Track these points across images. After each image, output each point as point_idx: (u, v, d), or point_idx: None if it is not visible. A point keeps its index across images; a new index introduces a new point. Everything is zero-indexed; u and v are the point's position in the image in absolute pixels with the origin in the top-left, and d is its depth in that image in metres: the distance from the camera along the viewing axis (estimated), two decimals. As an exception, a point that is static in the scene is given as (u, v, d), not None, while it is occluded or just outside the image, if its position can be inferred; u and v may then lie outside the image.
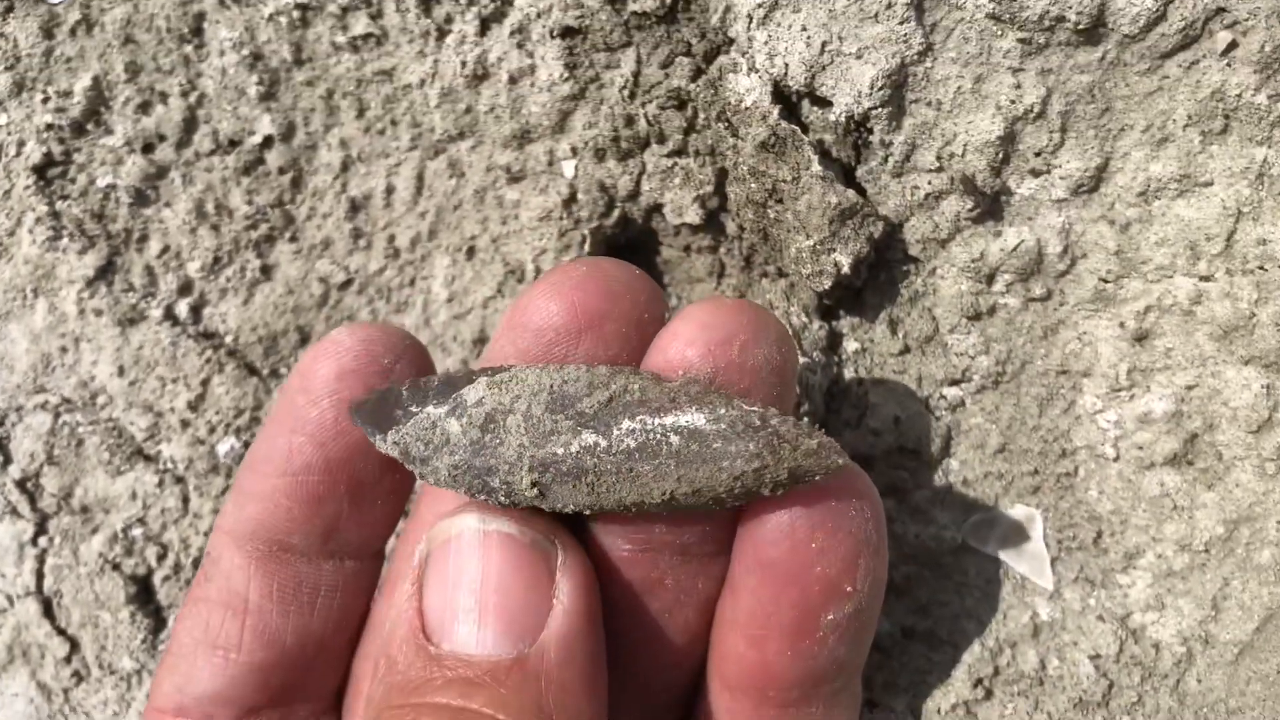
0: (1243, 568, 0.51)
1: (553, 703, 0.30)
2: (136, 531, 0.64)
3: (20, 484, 0.65)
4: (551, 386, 0.33)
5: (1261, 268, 0.50)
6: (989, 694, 0.54)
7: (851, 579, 0.37)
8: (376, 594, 0.44)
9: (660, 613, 0.41)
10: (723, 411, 0.32)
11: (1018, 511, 0.54)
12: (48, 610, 0.65)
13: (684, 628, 0.42)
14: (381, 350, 0.37)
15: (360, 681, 0.42)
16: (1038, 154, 0.51)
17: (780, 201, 0.52)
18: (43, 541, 0.65)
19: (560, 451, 0.32)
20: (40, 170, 0.64)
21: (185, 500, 0.64)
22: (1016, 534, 0.53)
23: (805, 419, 0.55)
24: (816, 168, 0.50)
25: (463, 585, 0.31)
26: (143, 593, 0.64)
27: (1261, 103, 0.48)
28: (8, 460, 0.65)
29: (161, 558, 0.64)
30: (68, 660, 0.65)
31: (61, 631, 0.65)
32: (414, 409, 0.34)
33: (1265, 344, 0.50)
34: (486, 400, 0.33)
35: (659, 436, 0.32)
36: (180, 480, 0.64)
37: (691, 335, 0.35)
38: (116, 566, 0.64)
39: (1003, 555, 0.54)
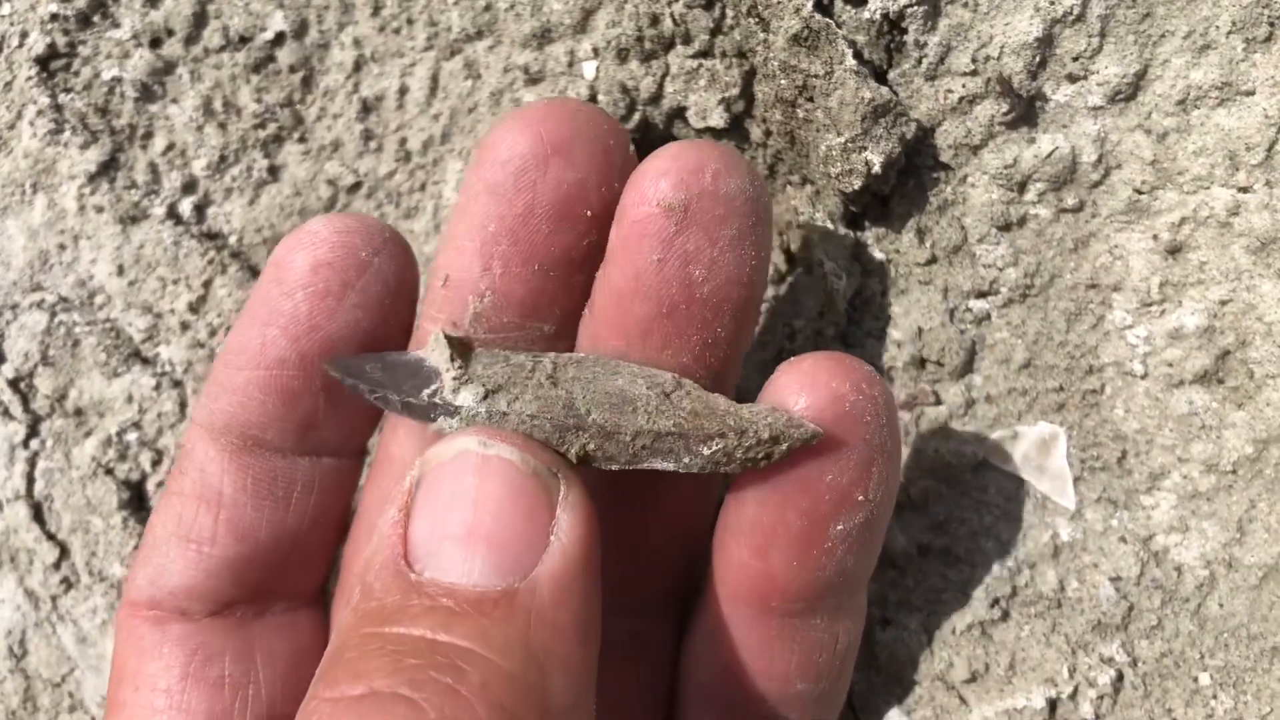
0: (1271, 489, 0.50)
1: (540, 644, 0.27)
2: (131, 436, 0.62)
3: (13, 384, 0.63)
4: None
5: (1302, 180, 0.48)
6: (1006, 615, 0.52)
7: (864, 488, 0.35)
8: (360, 493, 0.42)
9: (655, 518, 0.40)
10: (687, 460, 0.35)
11: (1041, 429, 0.52)
12: (37, 514, 0.63)
13: (683, 534, 0.41)
14: (360, 243, 0.36)
15: (348, 586, 0.40)
16: (1075, 59, 0.50)
17: (811, 99, 0.51)
18: (34, 444, 0.63)
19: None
20: (43, 62, 0.62)
21: (183, 405, 0.62)
22: (1039, 452, 0.52)
23: (830, 329, 0.54)
24: (850, 62, 0.49)
25: (454, 509, 0.28)
26: (135, 499, 0.63)
27: (1311, 3, 0.47)
28: (1, 360, 0.63)
29: (156, 463, 0.62)
30: (57, 566, 0.63)
31: (51, 536, 0.63)
32: (411, 400, 0.35)
33: (1303, 257, 0.48)
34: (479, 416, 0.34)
35: (633, 472, 0.36)
36: (178, 384, 0.62)
37: (664, 167, 0.35)
38: (110, 471, 0.62)
39: (1024, 473, 0.52)
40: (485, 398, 0.33)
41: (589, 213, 0.36)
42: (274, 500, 0.37)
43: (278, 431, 0.37)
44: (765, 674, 0.39)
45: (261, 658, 0.38)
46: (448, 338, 0.34)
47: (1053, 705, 0.51)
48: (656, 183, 0.35)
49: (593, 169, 0.36)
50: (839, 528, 0.35)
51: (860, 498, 0.35)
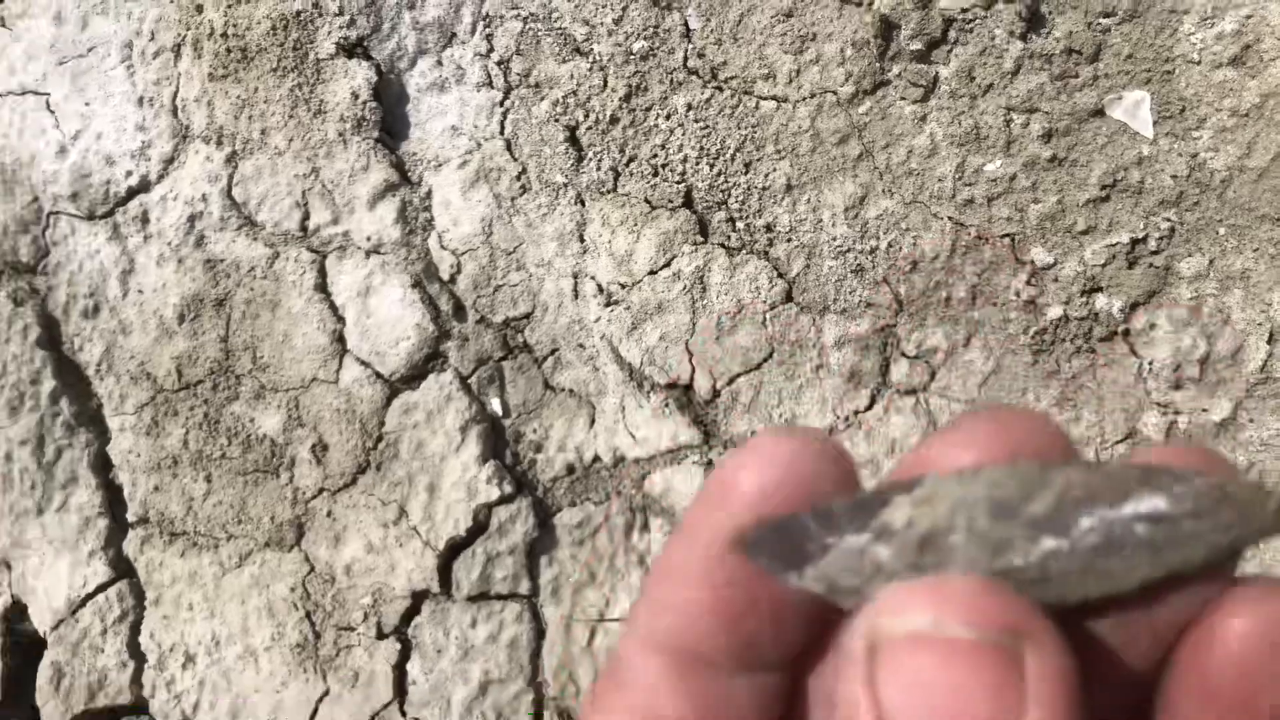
0: (1268, 125, 0.89)
1: None
2: (571, 99, 1.03)
3: (498, 64, 1.03)
4: (987, 499, 0.29)
5: (1297, -53, 0.87)
6: (1108, 197, 0.92)
7: None
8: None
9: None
10: (1179, 490, 0.27)
11: (1136, 94, 0.92)
12: (508, 147, 1.04)
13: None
14: (801, 462, 0.33)
15: None
16: (1173, -124, 0.89)
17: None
18: (507, 104, 1.04)
19: (1020, 562, 0.28)
20: None
21: (605, 81, 1.02)
22: (1134, 106, 0.91)
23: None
24: None
25: (917, 692, 0.27)
26: (572, 137, 1.03)
27: None
28: (491, 49, 1.03)
29: (586, 115, 1.03)
30: (517, 178, 1.04)
31: (515, 159, 1.03)
32: (829, 540, 0.29)
33: (1294, -10, 0.87)
34: (918, 521, 0.28)
35: (1123, 528, 0.28)
36: (603, 68, 1.02)
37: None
38: (557, 120, 1.03)
39: (1124, 118, 0.92)
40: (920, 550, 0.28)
41: None
42: (731, 715, 0.35)
43: (721, 650, 0.35)
44: None
45: None
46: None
47: (1133, 243, 0.90)
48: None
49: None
50: None
51: None
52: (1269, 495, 0.26)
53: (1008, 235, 0.94)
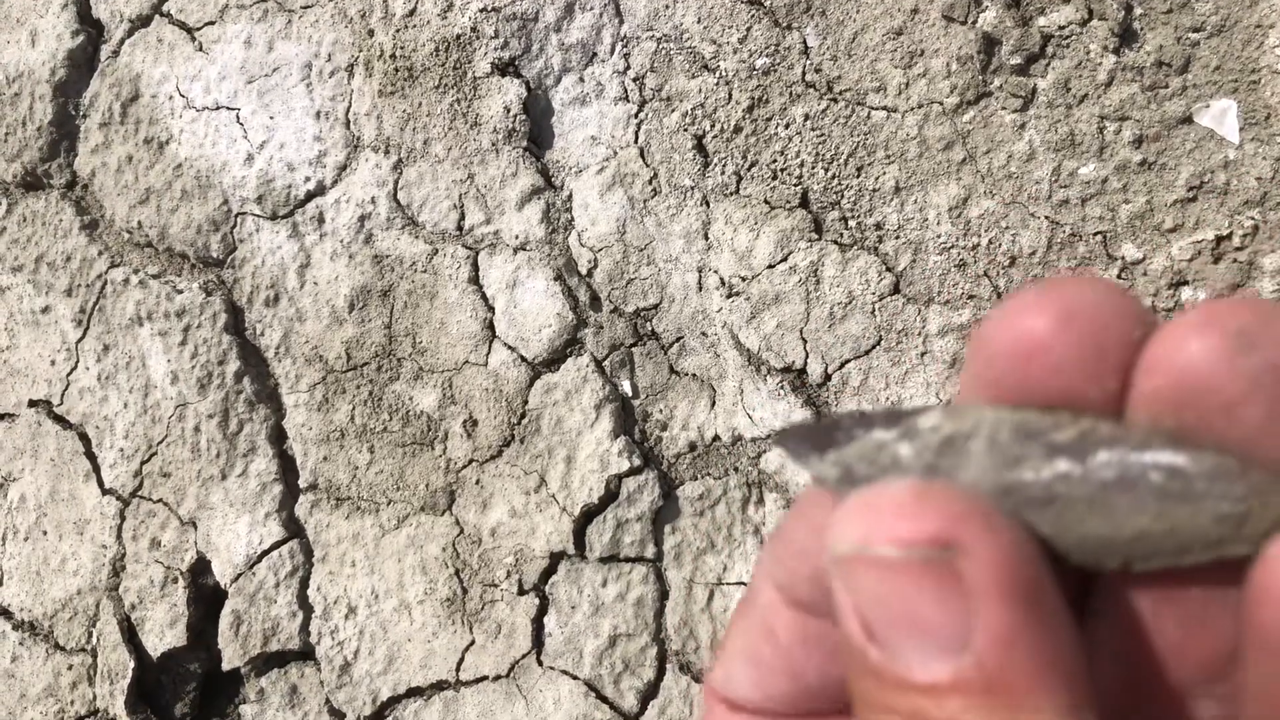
0: (1347, 129, 0.97)
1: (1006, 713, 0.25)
2: (699, 111, 1.15)
3: (634, 80, 1.16)
4: (1014, 421, 0.28)
5: (1376, -33, 0.95)
6: (1195, 198, 1.00)
7: None
8: None
9: (1162, 659, 0.30)
10: (1202, 454, 0.26)
11: (1223, 102, 1.00)
12: (641, 154, 1.16)
13: (1198, 666, 0.29)
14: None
15: None
16: (1258, -96, 0.98)
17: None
18: (640, 115, 1.16)
19: (1030, 477, 0.27)
20: (661, -93, 1.15)
21: (730, 95, 1.14)
22: (1221, 113, 1.00)
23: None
24: (1140, -101, 0.98)
25: (880, 607, 0.27)
26: (699, 146, 1.15)
27: None
28: (628, 67, 1.16)
29: (713, 125, 1.15)
30: (649, 182, 1.16)
31: (648, 164, 1.16)
32: (858, 431, 0.30)
33: (1373, 6, 0.95)
34: (944, 426, 0.28)
35: (1138, 470, 0.27)
36: (729, 83, 1.14)
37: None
38: (686, 130, 1.15)
39: (1211, 125, 1.00)
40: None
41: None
42: (822, 652, 0.35)
43: (820, 605, 0.35)
44: None
45: None
46: None
47: (1218, 240, 0.99)
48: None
49: (1082, 369, 0.28)
50: None
51: None
52: None
53: (1100, 233, 1.03)
